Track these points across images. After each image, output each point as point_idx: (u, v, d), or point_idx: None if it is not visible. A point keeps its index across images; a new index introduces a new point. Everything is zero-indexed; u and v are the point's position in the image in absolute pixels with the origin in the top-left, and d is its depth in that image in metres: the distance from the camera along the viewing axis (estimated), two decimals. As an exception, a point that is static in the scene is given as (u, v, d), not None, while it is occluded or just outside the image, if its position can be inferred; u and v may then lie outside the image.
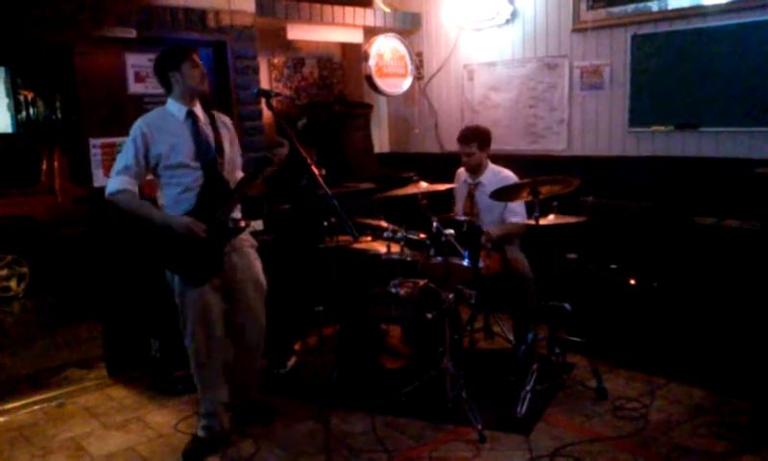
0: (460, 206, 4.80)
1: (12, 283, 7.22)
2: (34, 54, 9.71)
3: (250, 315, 3.72)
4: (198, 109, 3.54)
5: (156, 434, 3.87)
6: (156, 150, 3.39)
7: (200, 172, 3.44)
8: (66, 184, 7.38)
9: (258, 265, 3.75)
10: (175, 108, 3.49)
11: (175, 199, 3.44)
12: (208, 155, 3.48)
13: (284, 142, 3.47)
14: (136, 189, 3.40)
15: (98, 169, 4.57)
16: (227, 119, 3.75)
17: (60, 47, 4.44)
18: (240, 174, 3.70)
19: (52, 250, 7.28)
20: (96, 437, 3.87)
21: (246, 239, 3.69)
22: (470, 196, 4.70)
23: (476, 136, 4.62)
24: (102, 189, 4.49)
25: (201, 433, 3.62)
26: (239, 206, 3.65)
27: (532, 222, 3.95)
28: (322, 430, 3.58)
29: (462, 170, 4.83)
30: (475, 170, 4.68)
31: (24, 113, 11.57)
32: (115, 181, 3.37)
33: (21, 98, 11.61)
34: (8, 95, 11.85)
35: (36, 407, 4.30)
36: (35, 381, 4.79)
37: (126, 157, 3.39)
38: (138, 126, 3.41)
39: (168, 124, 3.45)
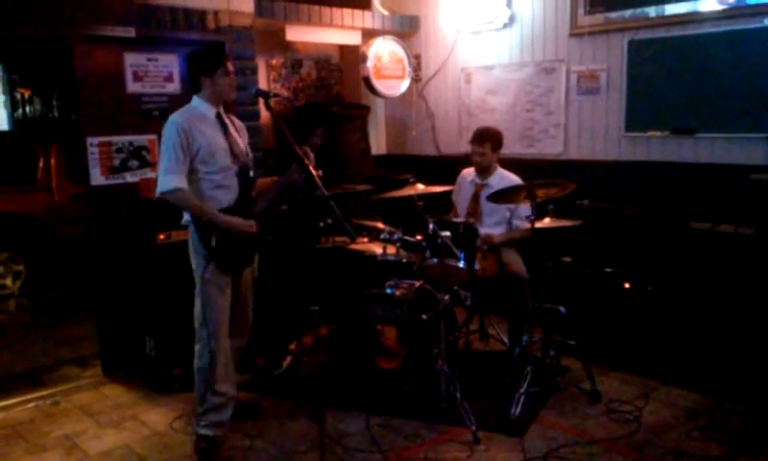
0: (463, 207, 4.81)
1: (8, 281, 7.20)
2: (31, 51, 9.70)
3: (243, 305, 3.76)
4: (222, 112, 3.59)
5: (151, 432, 3.87)
6: (197, 144, 3.38)
7: (234, 170, 3.50)
8: (63, 182, 7.36)
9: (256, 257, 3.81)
10: (204, 107, 3.51)
11: (210, 195, 3.45)
12: (242, 155, 3.58)
13: (318, 132, 3.69)
14: (187, 186, 3.37)
15: (95, 168, 4.57)
16: (238, 121, 3.79)
17: (60, 45, 4.44)
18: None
19: (48, 248, 7.26)
20: (91, 435, 3.87)
21: None
22: (476, 196, 4.71)
23: (490, 137, 4.68)
24: (98, 188, 4.58)
25: (209, 432, 3.55)
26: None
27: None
28: (316, 430, 3.59)
29: (467, 171, 4.86)
30: (485, 171, 4.71)
31: (21, 111, 11.56)
32: (167, 180, 3.32)
33: (18, 95, 11.59)
34: (4, 92, 11.82)
35: (31, 405, 4.30)
36: (30, 379, 4.79)
37: (171, 153, 3.34)
38: (175, 122, 3.38)
39: (201, 121, 3.46)
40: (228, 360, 3.64)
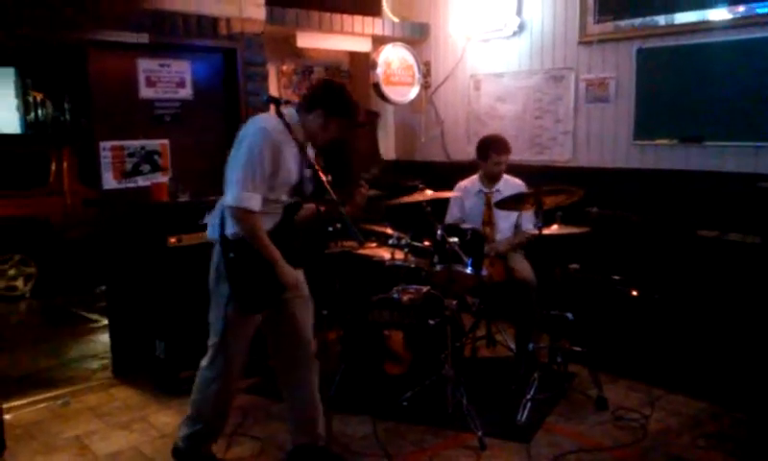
0: (476, 218, 4.73)
1: (19, 283, 7.28)
2: (43, 55, 9.79)
3: (295, 333, 3.32)
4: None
5: (159, 434, 3.91)
6: (278, 165, 3.00)
7: (287, 202, 3.15)
8: (75, 186, 7.44)
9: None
10: (297, 130, 3.09)
11: (263, 219, 3.05)
12: (304, 192, 3.20)
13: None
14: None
15: (108, 172, 4.63)
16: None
17: (74, 50, 4.50)
18: None
19: (59, 250, 7.33)
20: (100, 436, 3.91)
21: None
22: (489, 205, 4.68)
23: (509, 146, 4.72)
24: (111, 192, 4.62)
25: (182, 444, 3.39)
26: None
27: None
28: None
29: (469, 182, 4.83)
30: (497, 178, 4.73)
31: (33, 114, 11.66)
32: (247, 197, 2.92)
33: (30, 99, 11.70)
34: (17, 96, 11.93)
35: (41, 405, 4.35)
36: (41, 380, 4.84)
37: (257, 167, 2.93)
38: (267, 135, 2.97)
39: (288, 143, 3.05)
40: (233, 395, 3.42)
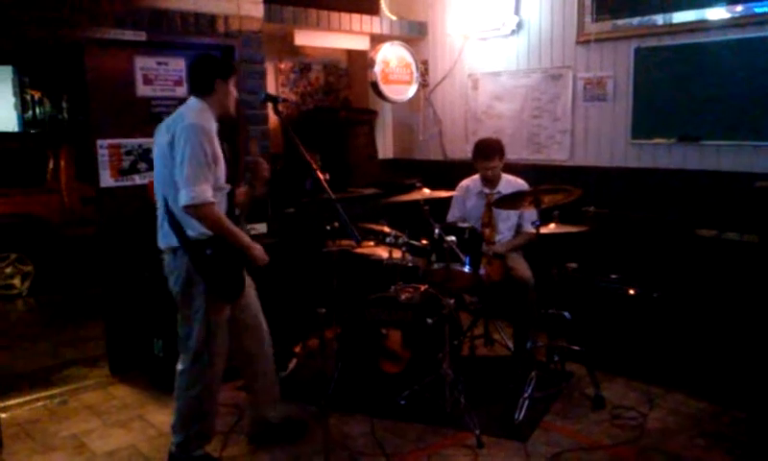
0: (475, 218, 4.70)
1: (17, 281, 7.26)
2: (41, 53, 9.76)
3: (255, 318, 3.52)
4: None
5: (157, 433, 3.90)
6: (215, 153, 3.09)
7: (227, 190, 3.25)
8: (72, 184, 7.42)
9: None
10: (211, 114, 3.23)
11: None
12: (235, 174, 3.34)
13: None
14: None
15: (105, 169, 4.62)
16: None
17: (71, 47, 4.49)
18: None
19: (57, 249, 7.32)
20: (98, 435, 3.91)
21: None
22: (489, 207, 4.64)
23: (498, 150, 4.65)
24: (108, 190, 4.61)
25: (201, 451, 3.45)
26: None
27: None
28: (321, 432, 3.61)
29: (471, 182, 4.82)
30: (494, 181, 4.72)
31: (31, 112, 11.63)
32: (202, 191, 2.97)
33: (28, 97, 11.67)
34: (15, 94, 11.91)
35: (38, 404, 4.34)
36: (38, 378, 4.83)
37: (201, 158, 3.00)
38: (199, 127, 3.04)
39: (213, 127, 3.17)
40: (216, 395, 3.45)
